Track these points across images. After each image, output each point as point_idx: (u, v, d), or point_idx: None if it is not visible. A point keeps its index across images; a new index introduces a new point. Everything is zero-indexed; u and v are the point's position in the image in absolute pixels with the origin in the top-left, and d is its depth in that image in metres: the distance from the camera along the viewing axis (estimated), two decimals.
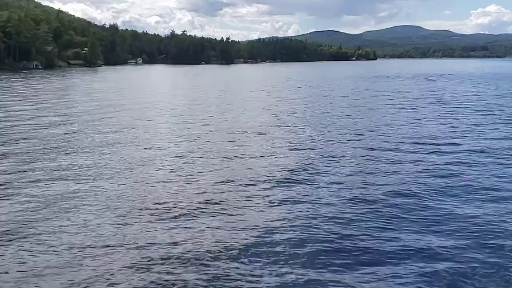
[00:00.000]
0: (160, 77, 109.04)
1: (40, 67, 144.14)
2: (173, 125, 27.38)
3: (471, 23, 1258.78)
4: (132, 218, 11.36)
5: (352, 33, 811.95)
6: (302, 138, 22.39)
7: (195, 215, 11.63)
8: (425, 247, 9.62)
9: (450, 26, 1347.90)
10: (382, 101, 40.88)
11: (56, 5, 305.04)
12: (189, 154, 18.63)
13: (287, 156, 18.28)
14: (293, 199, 12.86)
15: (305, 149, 19.54)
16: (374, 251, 9.44)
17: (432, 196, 13.04)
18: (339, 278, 8.38)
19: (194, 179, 14.86)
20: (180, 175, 15.36)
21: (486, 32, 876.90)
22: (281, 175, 15.23)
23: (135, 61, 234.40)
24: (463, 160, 17.29)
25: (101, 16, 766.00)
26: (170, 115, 32.30)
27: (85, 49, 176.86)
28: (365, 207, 12.14)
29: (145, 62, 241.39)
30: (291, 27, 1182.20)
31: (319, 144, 20.72)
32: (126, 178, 14.94)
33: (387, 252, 9.38)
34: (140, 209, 11.99)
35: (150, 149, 19.86)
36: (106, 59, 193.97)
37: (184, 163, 17.18)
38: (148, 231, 10.50)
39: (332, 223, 10.96)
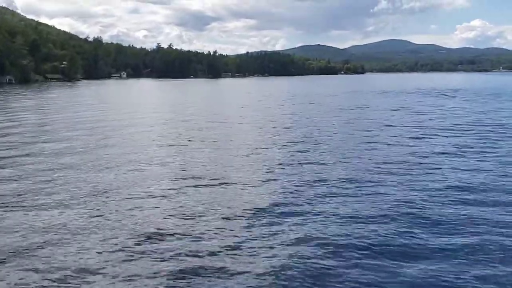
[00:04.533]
0: (127, 95, 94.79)
1: (13, 81, 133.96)
2: None
3: (457, 37, 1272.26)
4: None
5: (339, 47, 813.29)
6: None
7: None
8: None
9: (436, 40, 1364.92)
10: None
11: (42, 20, 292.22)
12: None
13: None
14: None
15: None
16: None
17: None
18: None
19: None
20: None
21: (472, 46, 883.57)
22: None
23: (118, 75, 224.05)
24: None
25: (88, 31, 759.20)
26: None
27: (64, 62, 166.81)
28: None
29: (130, 76, 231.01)
30: (279, 41, 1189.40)
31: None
32: None
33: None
34: None
35: None
36: (88, 72, 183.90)
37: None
38: None
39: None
